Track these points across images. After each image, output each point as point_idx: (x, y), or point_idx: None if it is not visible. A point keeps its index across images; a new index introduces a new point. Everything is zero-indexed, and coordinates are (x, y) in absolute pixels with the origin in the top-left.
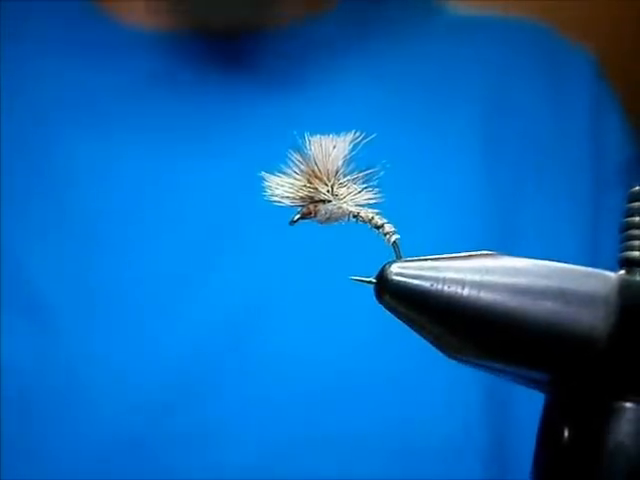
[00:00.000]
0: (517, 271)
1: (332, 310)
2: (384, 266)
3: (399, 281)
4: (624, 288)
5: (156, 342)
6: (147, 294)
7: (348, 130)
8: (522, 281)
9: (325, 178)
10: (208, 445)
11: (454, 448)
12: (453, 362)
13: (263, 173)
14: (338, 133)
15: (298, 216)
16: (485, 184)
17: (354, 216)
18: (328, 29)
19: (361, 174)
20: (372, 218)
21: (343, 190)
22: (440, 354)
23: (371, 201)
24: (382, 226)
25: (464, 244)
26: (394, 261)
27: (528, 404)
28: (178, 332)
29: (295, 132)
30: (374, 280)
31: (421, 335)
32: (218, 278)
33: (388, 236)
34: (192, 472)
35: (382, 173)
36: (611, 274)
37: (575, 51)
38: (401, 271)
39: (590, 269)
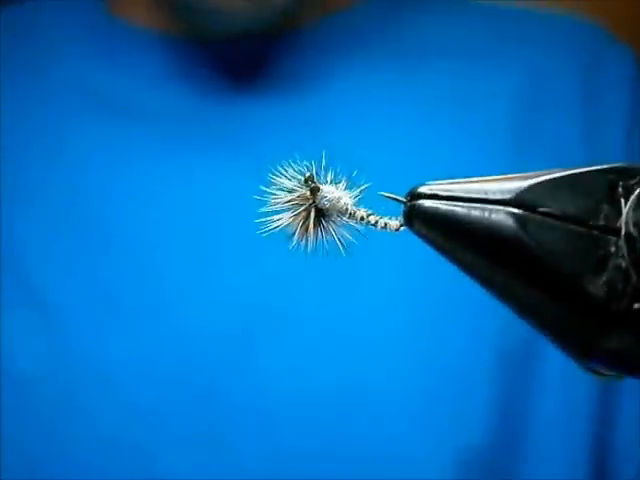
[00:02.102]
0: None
1: (345, 314)
2: (415, 187)
3: (431, 205)
4: None
5: (162, 343)
6: (155, 294)
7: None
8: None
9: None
10: (212, 452)
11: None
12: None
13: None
14: (363, 130)
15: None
16: None
17: (349, 216)
18: (347, 28)
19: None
20: (369, 216)
21: (328, 200)
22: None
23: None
24: (377, 223)
25: None
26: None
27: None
28: (186, 333)
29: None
30: (404, 200)
31: (451, 262)
32: (232, 277)
33: (389, 226)
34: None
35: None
36: None
37: (617, 49)
38: (436, 192)
39: None
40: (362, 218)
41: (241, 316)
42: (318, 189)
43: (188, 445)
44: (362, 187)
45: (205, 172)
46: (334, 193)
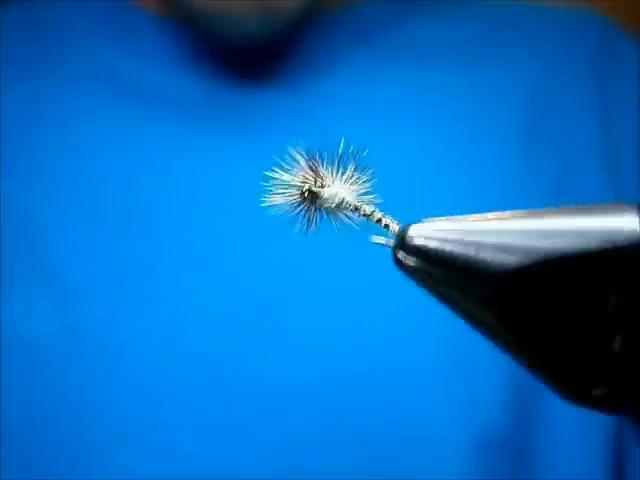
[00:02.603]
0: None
1: (348, 306)
2: (403, 228)
3: (421, 245)
4: None
5: (175, 325)
6: (168, 276)
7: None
8: None
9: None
10: (222, 440)
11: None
12: (475, 360)
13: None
14: (370, 126)
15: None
16: (526, 182)
17: (353, 209)
18: (355, 23)
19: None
20: (372, 213)
21: (336, 186)
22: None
23: (364, 191)
24: (380, 220)
25: None
26: (414, 223)
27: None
28: (199, 316)
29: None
30: (392, 244)
31: (441, 303)
32: (244, 266)
33: (390, 227)
34: (204, 467)
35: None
36: None
37: (626, 42)
38: (424, 233)
39: None
40: (364, 213)
41: (259, 297)
42: (321, 181)
43: (202, 427)
44: (366, 182)
45: (212, 160)
46: (337, 186)
